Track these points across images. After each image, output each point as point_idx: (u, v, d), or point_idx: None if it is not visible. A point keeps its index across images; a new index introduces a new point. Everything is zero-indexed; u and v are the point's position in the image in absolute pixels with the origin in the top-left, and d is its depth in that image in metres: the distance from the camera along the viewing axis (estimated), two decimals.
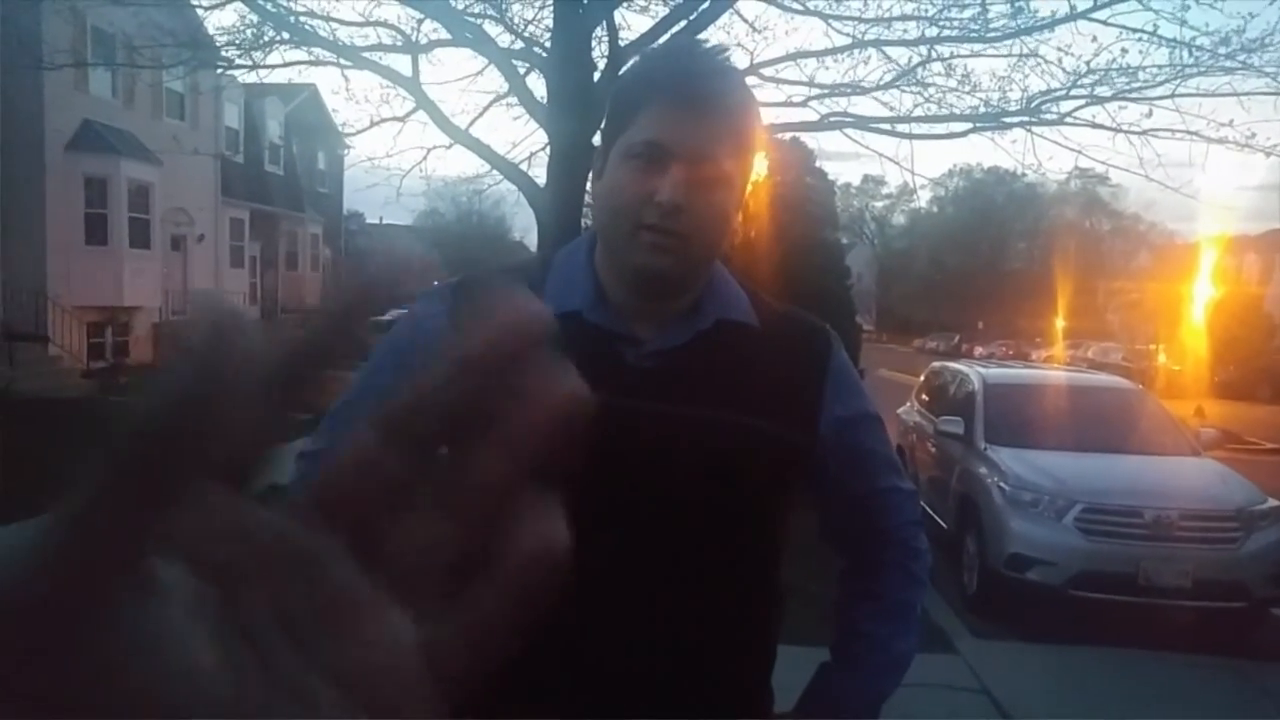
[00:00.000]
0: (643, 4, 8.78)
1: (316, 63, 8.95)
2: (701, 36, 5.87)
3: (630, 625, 1.12)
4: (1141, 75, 8.36)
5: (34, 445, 9.68)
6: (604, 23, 7.96)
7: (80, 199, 16.88)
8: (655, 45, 1.22)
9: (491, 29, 8.44)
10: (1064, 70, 8.48)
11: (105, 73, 16.57)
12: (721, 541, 1.16)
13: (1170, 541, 5.67)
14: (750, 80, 8.58)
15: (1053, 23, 8.29)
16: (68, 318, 16.57)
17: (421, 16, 7.99)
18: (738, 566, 1.19)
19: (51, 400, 13.26)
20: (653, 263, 1.12)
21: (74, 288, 16.64)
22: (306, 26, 8.32)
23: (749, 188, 1.23)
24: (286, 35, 8.43)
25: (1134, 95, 8.49)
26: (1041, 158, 17.18)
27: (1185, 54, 8.11)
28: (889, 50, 8.64)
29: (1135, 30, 8.24)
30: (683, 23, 7.74)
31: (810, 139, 9.91)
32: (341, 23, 8.52)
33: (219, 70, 10.83)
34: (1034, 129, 8.87)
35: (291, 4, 8.40)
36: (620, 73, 1.09)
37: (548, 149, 7.87)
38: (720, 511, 1.15)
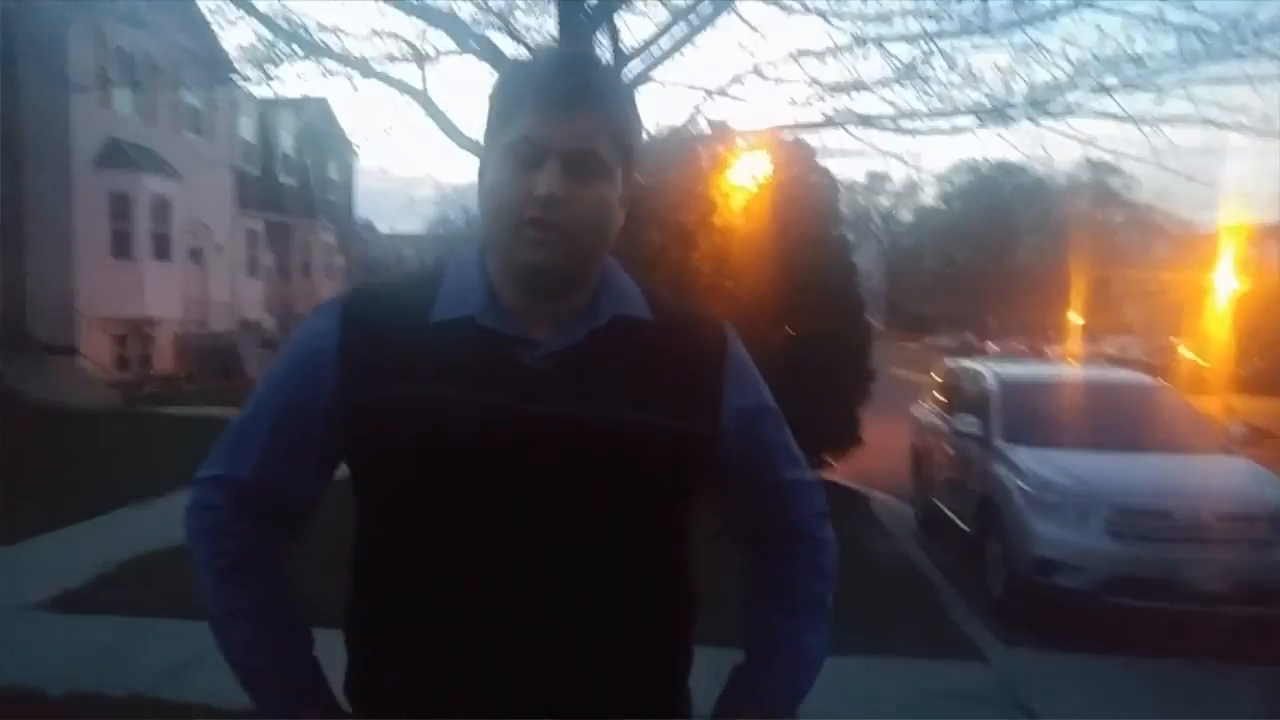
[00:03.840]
0: (643, 8, 8.88)
1: (328, 75, 9.11)
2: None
3: (538, 625, 1.12)
4: (1150, 63, 8.20)
5: (66, 454, 9.85)
6: (605, 28, 8.06)
7: (105, 214, 17.27)
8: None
9: (496, 37, 8.57)
10: (1069, 61, 8.41)
11: (128, 91, 16.88)
12: (625, 540, 1.15)
13: (1205, 544, 5.43)
14: (753, 81, 8.63)
15: (1054, 12, 8.23)
16: (94, 330, 16.92)
17: (427, 27, 8.15)
18: (645, 564, 1.18)
19: (80, 410, 13.50)
20: (536, 258, 1.12)
21: (100, 300, 16.98)
22: (317, 40, 8.48)
23: (633, 184, 1.21)
24: (298, 49, 8.59)
25: (1142, 84, 8.36)
26: (1049, 150, 17.08)
27: (1195, 40, 7.98)
28: (890, 46, 8.66)
29: (1141, 17, 8.15)
30: (683, 25, 7.83)
31: (813, 137, 9.94)
32: (351, 35, 8.69)
33: (234, 85, 11.03)
34: (1040, 121, 8.82)
35: (303, 18, 8.58)
36: (495, 81, 1.15)
37: None
38: (622, 509, 1.15)
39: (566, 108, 1.12)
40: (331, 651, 1.27)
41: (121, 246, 17.54)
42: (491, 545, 1.12)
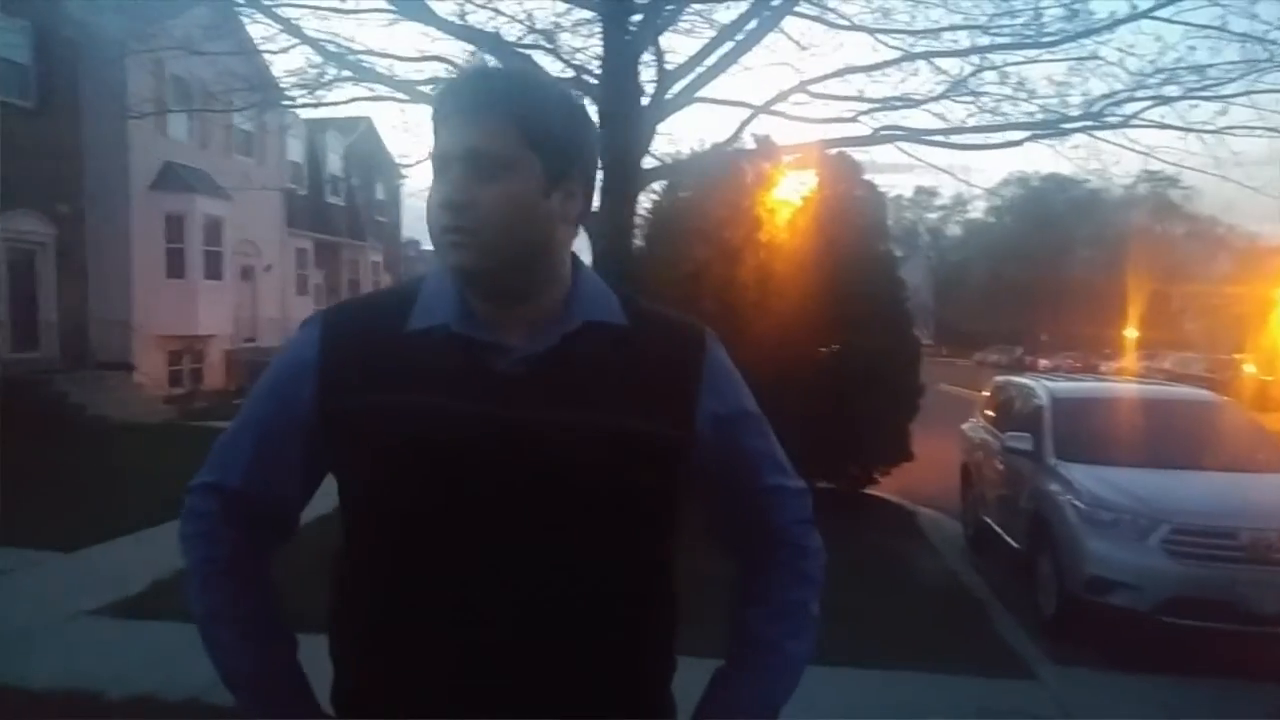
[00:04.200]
0: (688, 27, 8.88)
1: (376, 98, 9.25)
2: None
3: (517, 630, 1.12)
4: (1212, 72, 8.04)
5: (123, 467, 10.15)
6: (651, 48, 8.07)
7: (161, 235, 17.89)
8: None
9: (542, 59, 8.63)
10: (1127, 71, 8.25)
11: (183, 117, 17.41)
12: (601, 544, 1.15)
13: (1270, 565, 5.26)
14: (800, 97, 8.59)
15: (1113, 23, 8.07)
16: (150, 347, 17.47)
17: (474, 50, 8.21)
18: (622, 568, 1.18)
19: (137, 425, 13.92)
20: (455, 260, 1.15)
21: (155, 318, 17.55)
22: (366, 64, 8.61)
23: (564, 172, 1.18)
24: (347, 73, 8.72)
25: (1205, 93, 8.15)
26: (1106, 162, 16.75)
27: (1260, 49, 7.81)
28: (939, 61, 8.56)
29: (1202, 27, 7.96)
30: (729, 44, 7.80)
31: (861, 153, 9.85)
32: (398, 58, 8.79)
33: (284, 108, 11.26)
34: (1097, 133, 8.64)
35: (352, 44, 8.72)
36: None
37: (599, 172, 8.00)
38: (596, 514, 1.15)
39: (460, 114, 1.15)
40: (321, 658, 1.27)
41: (176, 266, 18.08)
42: (467, 551, 1.13)
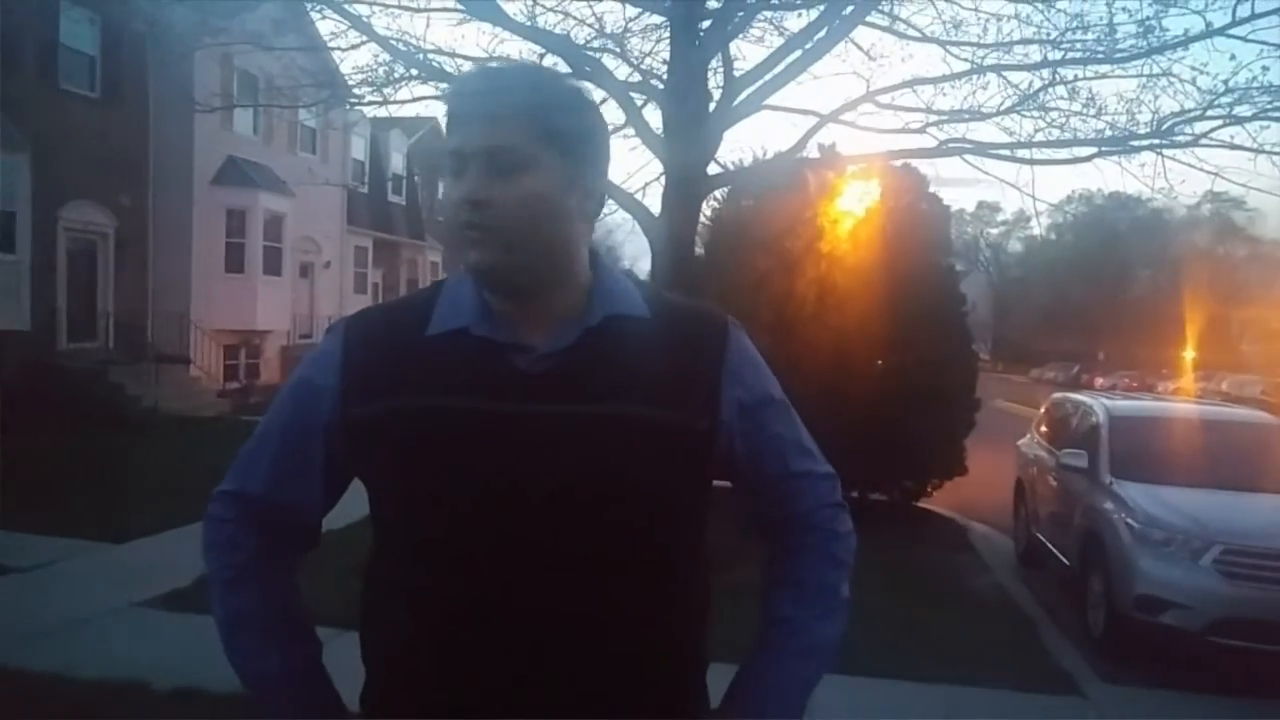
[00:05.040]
0: (758, 35, 8.86)
1: (442, 97, 9.33)
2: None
3: (547, 630, 1.12)
4: None
5: (179, 460, 10.29)
6: (719, 54, 8.06)
7: (222, 229, 18.00)
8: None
9: (610, 62, 8.64)
10: (1199, 90, 8.09)
11: (248, 112, 17.65)
12: (634, 540, 1.15)
13: None
14: (866, 107, 8.53)
15: (1186, 41, 7.91)
16: (207, 340, 17.63)
17: (543, 52, 8.27)
18: (655, 563, 1.17)
19: (191, 418, 14.11)
20: (475, 259, 1.15)
21: (213, 312, 17.69)
22: (434, 63, 8.70)
23: (585, 171, 1.20)
24: (415, 72, 8.82)
25: (1277, 114, 8.02)
26: (1172, 181, 16.38)
27: None
28: (1009, 75, 8.45)
29: (1277, 45, 7.81)
30: (798, 52, 7.76)
31: (926, 165, 9.75)
32: (467, 58, 8.87)
33: (351, 106, 11.41)
34: (1165, 152, 8.48)
35: (421, 43, 8.81)
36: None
37: (662, 178, 8.00)
38: (628, 507, 1.14)
39: (478, 110, 1.15)
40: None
41: (235, 260, 18.23)
42: (498, 550, 1.13)
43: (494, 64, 1.59)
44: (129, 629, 5.03)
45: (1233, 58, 9.08)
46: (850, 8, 7.63)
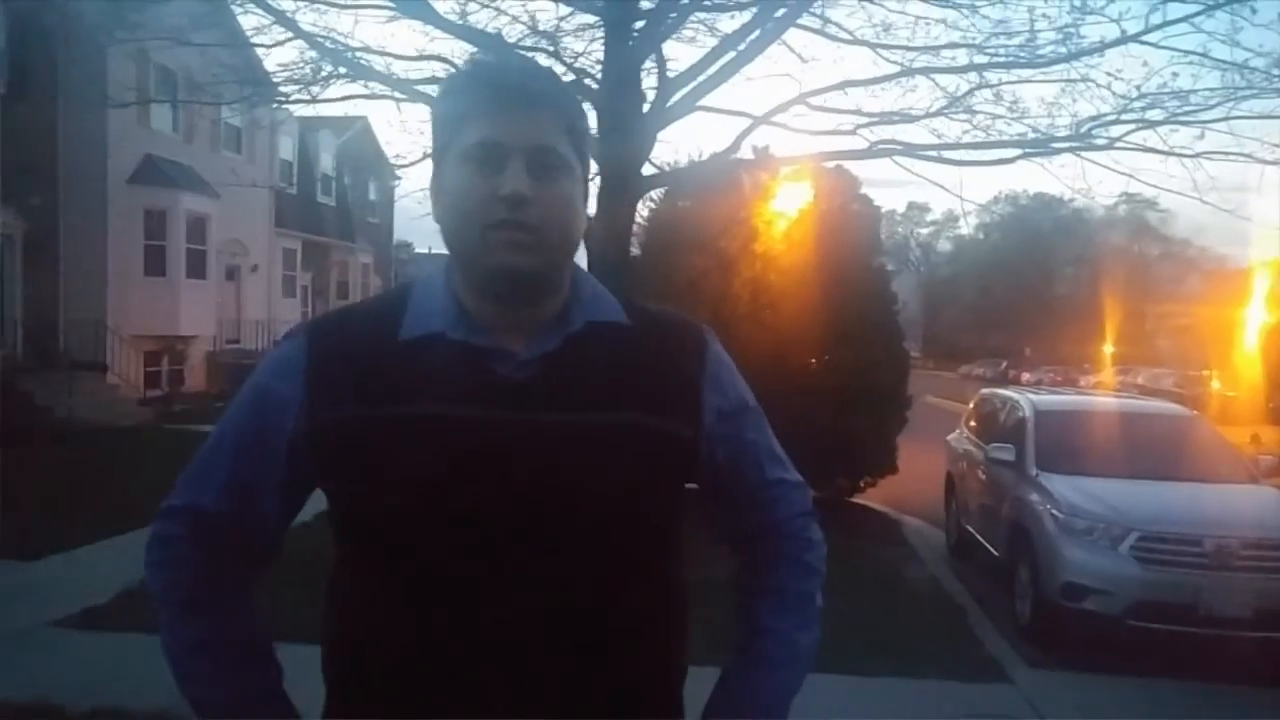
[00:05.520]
0: (691, 35, 8.90)
1: (372, 96, 9.16)
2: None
3: (526, 640, 1.09)
4: (1194, 98, 8.22)
5: (95, 471, 9.91)
6: (653, 55, 8.07)
7: (140, 231, 17.36)
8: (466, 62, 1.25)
9: (543, 61, 8.57)
10: (1114, 94, 8.39)
11: (167, 108, 17.07)
12: (615, 547, 1.13)
13: (1231, 571, 5.52)
14: (798, 109, 8.64)
15: (1103, 47, 8.20)
16: (126, 347, 16.95)
17: (475, 50, 8.16)
18: (636, 571, 1.15)
19: (110, 428, 13.48)
20: (509, 261, 1.09)
21: (132, 317, 17.04)
22: (362, 61, 8.54)
23: (591, 182, 1.21)
24: (343, 70, 8.64)
25: (1186, 118, 8.32)
26: (1091, 183, 16.93)
27: (1238, 76, 8.00)
28: (937, 77, 8.64)
29: (1187, 53, 8.13)
30: (731, 54, 7.82)
31: (857, 167, 9.92)
32: (396, 57, 8.74)
33: (276, 105, 11.12)
34: (1084, 154, 8.78)
35: (349, 40, 8.64)
36: (437, 92, 1.11)
37: (597, 179, 7.98)
38: (610, 514, 1.12)
39: (524, 106, 1.10)
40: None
41: (155, 263, 17.57)
42: (473, 560, 1.09)
43: (513, 56, 1.50)
44: (46, 649, 4.86)
45: (1145, 64, 9.47)
46: (782, 10, 7.72)
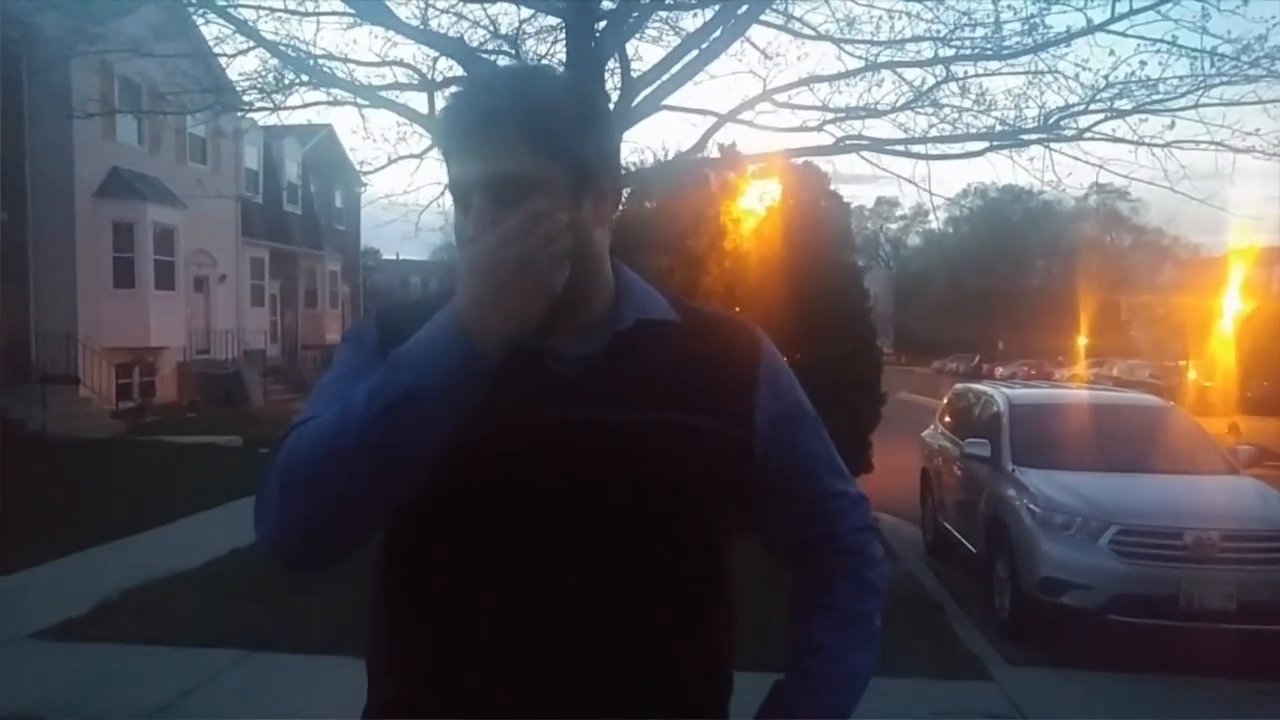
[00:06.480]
0: (655, 34, 8.86)
1: (335, 103, 9.09)
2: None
3: (576, 641, 1.08)
4: (1162, 87, 8.18)
5: (71, 484, 9.80)
6: (616, 55, 8.03)
7: (109, 243, 17.30)
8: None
9: (506, 64, 8.55)
10: (1082, 85, 8.38)
11: (132, 120, 16.96)
12: (668, 548, 1.11)
13: (1212, 563, 5.47)
14: (764, 106, 8.62)
15: (1068, 37, 8.20)
16: (97, 359, 16.85)
17: (437, 55, 8.10)
18: (686, 572, 1.14)
19: (83, 440, 13.47)
20: None
21: (103, 330, 16.96)
22: (325, 68, 8.46)
23: (596, 179, 1.12)
24: (306, 77, 8.56)
25: (1155, 107, 8.30)
26: (1060, 174, 16.99)
27: (1207, 63, 7.96)
28: (903, 71, 8.64)
29: (1155, 41, 8.09)
30: (694, 52, 7.79)
31: (825, 163, 9.90)
32: (359, 63, 8.66)
33: (240, 114, 11.00)
34: (1052, 145, 8.77)
35: (310, 48, 8.56)
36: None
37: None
38: (664, 513, 1.11)
39: (476, 137, 1.07)
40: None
41: (124, 275, 17.52)
42: (523, 557, 1.09)
43: (479, 76, 1.43)
44: (24, 662, 4.84)
45: (1112, 53, 9.35)
46: (744, 7, 7.70)
